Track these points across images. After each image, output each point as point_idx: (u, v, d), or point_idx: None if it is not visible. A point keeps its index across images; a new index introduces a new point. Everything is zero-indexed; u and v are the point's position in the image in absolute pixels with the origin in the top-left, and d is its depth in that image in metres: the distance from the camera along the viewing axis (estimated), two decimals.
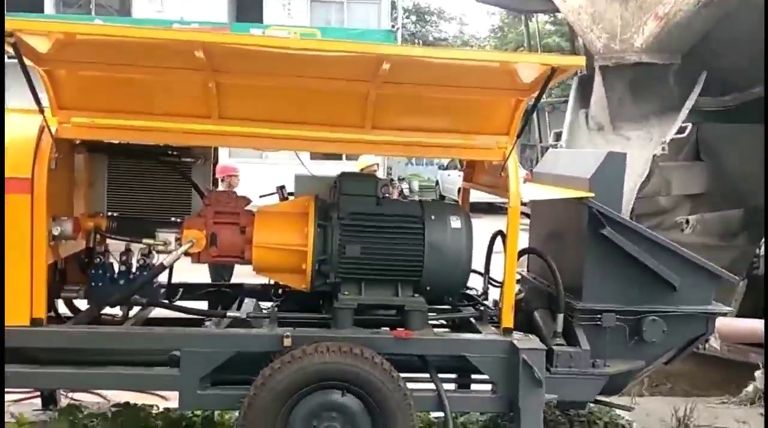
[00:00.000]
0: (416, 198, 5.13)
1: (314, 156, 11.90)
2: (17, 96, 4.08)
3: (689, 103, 6.54)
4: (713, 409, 5.83)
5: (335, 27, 22.70)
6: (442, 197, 23.03)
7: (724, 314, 4.65)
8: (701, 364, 7.17)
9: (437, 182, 26.94)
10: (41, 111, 3.82)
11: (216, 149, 5.12)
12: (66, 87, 4.01)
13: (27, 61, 3.68)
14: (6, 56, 3.68)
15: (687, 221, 6.86)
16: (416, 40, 37.63)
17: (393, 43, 19.89)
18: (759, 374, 6.34)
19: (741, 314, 6.96)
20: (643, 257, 4.28)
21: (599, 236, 4.27)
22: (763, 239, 7.18)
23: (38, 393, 5.18)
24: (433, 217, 4.35)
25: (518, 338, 4.19)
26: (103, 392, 5.31)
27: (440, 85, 4.13)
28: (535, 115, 10.31)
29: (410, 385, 4.04)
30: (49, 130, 3.87)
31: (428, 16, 41.38)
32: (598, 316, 4.31)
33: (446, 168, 24.88)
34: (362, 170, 8.35)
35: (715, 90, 7.28)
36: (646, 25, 6.46)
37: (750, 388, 6.28)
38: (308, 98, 4.15)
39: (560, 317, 4.30)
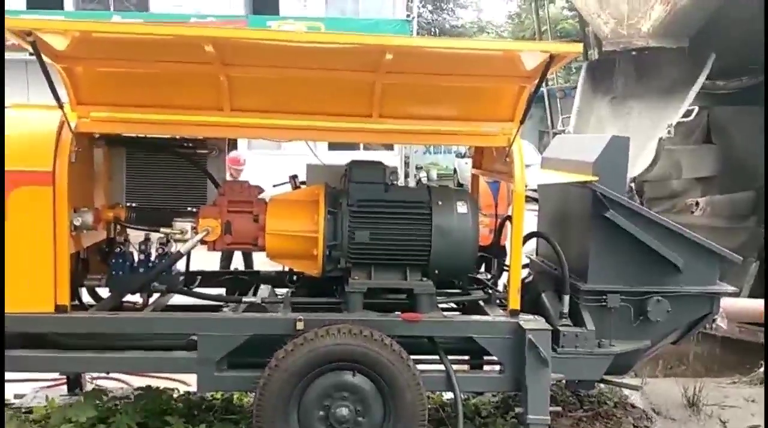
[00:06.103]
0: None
1: (332, 146, 12.06)
2: (38, 93, 4.23)
3: (696, 87, 6.56)
4: (723, 389, 5.88)
5: (350, 18, 22.70)
6: (460, 185, 22.96)
7: (729, 294, 4.71)
8: (716, 346, 7.22)
9: (455, 170, 26.84)
10: (60, 106, 3.97)
11: (231, 141, 5.27)
12: (84, 83, 4.16)
13: (46, 59, 3.85)
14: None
15: (697, 204, 6.89)
16: (432, 29, 37.53)
17: (407, 32, 19.84)
18: None
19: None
20: (645, 238, 4.36)
21: (603, 219, 4.35)
22: None
23: (64, 380, 5.38)
24: (440, 202, 4.46)
25: (525, 319, 4.29)
26: (126, 378, 5.51)
27: (445, 73, 4.21)
28: (547, 101, 10.35)
29: (422, 366, 4.18)
30: (69, 124, 4.02)
31: (444, 3, 41.26)
32: (604, 297, 4.40)
33: (464, 156, 24.69)
34: None
35: (726, 72, 7.29)
36: (653, 9, 6.49)
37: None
38: (316, 89, 4.27)
39: (566, 298, 4.40)
